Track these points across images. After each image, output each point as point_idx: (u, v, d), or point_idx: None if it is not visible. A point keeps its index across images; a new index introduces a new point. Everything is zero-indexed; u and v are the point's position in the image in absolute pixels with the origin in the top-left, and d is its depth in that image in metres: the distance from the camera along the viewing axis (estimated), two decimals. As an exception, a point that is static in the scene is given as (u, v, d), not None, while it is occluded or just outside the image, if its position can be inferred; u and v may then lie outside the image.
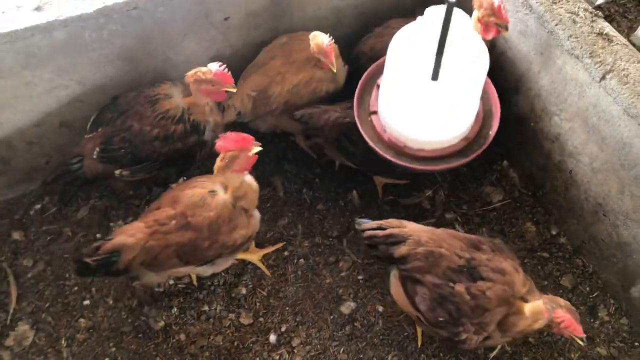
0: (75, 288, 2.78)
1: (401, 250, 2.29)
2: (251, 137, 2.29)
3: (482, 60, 2.28)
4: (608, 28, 2.50)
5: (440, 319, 2.24)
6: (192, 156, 2.72)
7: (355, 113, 2.58)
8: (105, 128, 2.60)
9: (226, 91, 2.55)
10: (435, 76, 2.08)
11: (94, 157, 2.57)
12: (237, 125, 2.94)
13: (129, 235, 2.32)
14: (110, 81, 2.70)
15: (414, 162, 2.52)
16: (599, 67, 2.40)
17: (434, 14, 2.18)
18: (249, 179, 2.42)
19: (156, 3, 2.47)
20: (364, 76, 2.67)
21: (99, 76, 2.65)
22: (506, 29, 2.56)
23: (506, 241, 2.82)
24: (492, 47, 2.92)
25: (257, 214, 2.55)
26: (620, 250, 2.65)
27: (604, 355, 2.68)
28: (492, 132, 2.54)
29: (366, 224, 2.43)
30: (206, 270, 2.58)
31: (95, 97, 2.72)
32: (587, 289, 2.86)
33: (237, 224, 2.41)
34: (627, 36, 3.58)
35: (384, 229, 2.36)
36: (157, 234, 2.34)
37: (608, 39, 2.46)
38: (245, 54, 2.94)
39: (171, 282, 2.81)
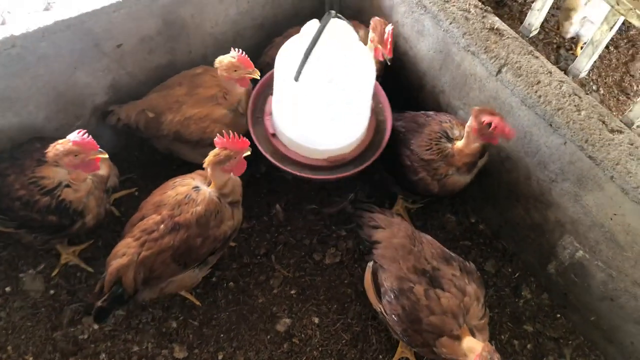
0: (-11, 350, 2.58)
1: (378, 235, 2.47)
2: (247, 141, 2.31)
3: (366, 71, 2.27)
4: (498, 23, 2.59)
5: (396, 314, 2.29)
6: (53, 231, 2.51)
7: (249, 114, 2.63)
8: None
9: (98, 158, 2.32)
10: (297, 76, 2.07)
11: None
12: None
13: (120, 255, 2.31)
14: (-3, 125, 2.50)
15: (296, 168, 2.57)
16: (494, 61, 2.49)
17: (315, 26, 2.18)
18: (233, 174, 2.43)
19: (37, 39, 2.29)
20: (261, 80, 2.70)
21: (-17, 121, 2.45)
22: (389, 61, 2.62)
23: (430, 234, 2.89)
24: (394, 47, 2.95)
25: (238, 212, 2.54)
26: (533, 231, 2.79)
27: (531, 331, 2.82)
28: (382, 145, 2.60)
29: (365, 204, 2.64)
30: (198, 275, 2.55)
31: (-16, 144, 2.51)
32: (509, 270, 2.99)
33: (223, 217, 2.40)
34: (520, 21, 3.76)
35: (373, 211, 2.54)
36: (148, 242, 2.30)
37: (499, 34, 2.55)
38: (144, 79, 2.81)
39: (95, 326, 2.67)
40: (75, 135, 2.24)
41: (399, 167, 2.64)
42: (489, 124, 2.27)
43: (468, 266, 2.40)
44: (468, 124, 2.40)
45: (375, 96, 2.57)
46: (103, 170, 2.51)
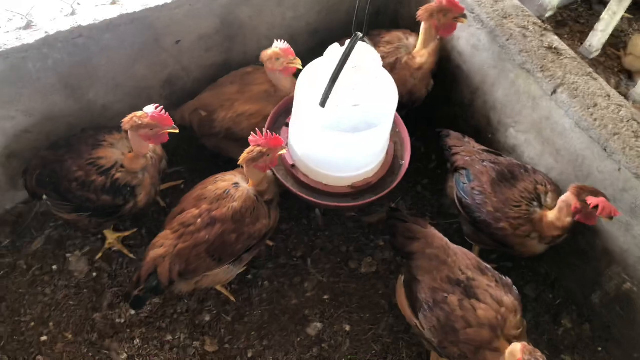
0: (32, 324, 2.68)
1: (413, 246, 2.42)
2: (281, 138, 2.33)
3: (388, 104, 2.26)
4: (557, 42, 2.53)
5: (432, 326, 2.26)
6: (107, 212, 2.58)
7: (269, 121, 2.62)
8: (48, 153, 2.56)
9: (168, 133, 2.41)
10: (323, 103, 2.06)
11: (34, 178, 2.55)
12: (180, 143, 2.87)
13: (159, 246, 2.39)
14: (59, 110, 2.62)
15: (305, 192, 2.53)
16: (550, 81, 2.43)
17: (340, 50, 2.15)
18: (269, 172, 2.49)
19: (102, 30, 2.40)
20: (278, 105, 2.70)
21: (46, 106, 2.57)
22: (465, 16, 2.60)
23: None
24: (447, 60, 2.94)
25: (276, 204, 2.59)
26: (579, 258, 2.70)
27: (569, 362, 2.72)
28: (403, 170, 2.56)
29: (399, 214, 2.59)
30: (232, 272, 2.59)
31: (45, 127, 2.64)
32: (550, 296, 2.90)
33: (259, 215, 2.44)
34: (580, 41, 3.66)
35: (407, 221, 2.50)
36: (185, 235, 2.37)
37: (558, 53, 2.49)
38: (199, 76, 2.89)
39: (132, 312, 2.74)
40: (152, 109, 2.33)
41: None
42: (595, 207, 2.17)
43: (504, 279, 2.35)
44: (563, 198, 2.31)
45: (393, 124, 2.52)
46: (159, 150, 2.62)
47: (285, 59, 2.62)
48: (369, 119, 2.20)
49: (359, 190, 2.51)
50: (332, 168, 2.44)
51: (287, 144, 2.57)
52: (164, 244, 2.38)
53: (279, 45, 2.62)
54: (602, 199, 2.20)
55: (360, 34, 1.98)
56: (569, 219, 2.32)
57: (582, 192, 2.26)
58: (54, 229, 2.95)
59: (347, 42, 2.05)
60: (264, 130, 2.33)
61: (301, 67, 2.63)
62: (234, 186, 2.44)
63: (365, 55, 2.07)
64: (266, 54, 2.64)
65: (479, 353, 2.18)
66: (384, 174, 2.57)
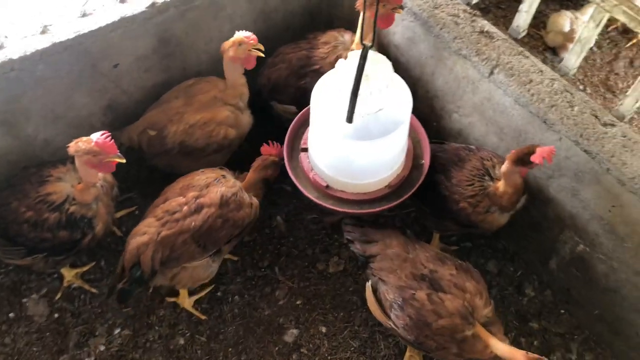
0: (-5, 377, 2.55)
1: (372, 248, 2.50)
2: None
3: (405, 102, 2.31)
4: (488, 26, 2.65)
5: (405, 324, 2.30)
6: (64, 249, 2.48)
7: (285, 150, 2.58)
8: None
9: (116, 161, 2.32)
10: (350, 118, 2.10)
11: None
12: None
13: (141, 234, 2.38)
14: (-5, 150, 2.50)
15: (341, 205, 2.49)
16: (486, 63, 2.54)
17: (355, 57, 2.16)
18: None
19: (34, 61, 2.31)
20: (301, 113, 2.66)
21: (-18, 146, 2.45)
22: (402, 7, 2.64)
23: (430, 236, 2.92)
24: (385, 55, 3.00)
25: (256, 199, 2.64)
26: (533, 229, 2.82)
27: (537, 328, 2.84)
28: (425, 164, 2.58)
29: (349, 225, 2.66)
30: (212, 267, 2.60)
31: (-17, 169, 2.51)
32: (511, 269, 3.02)
33: (243, 202, 2.51)
34: (504, 25, 3.84)
35: (363, 225, 2.59)
36: (170, 222, 2.38)
37: (489, 36, 2.61)
38: (140, 97, 2.83)
39: (102, 347, 2.64)
40: (98, 136, 2.24)
41: (438, 197, 2.59)
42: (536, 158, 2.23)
43: (464, 265, 2.43)
44: (504, 169, 2.38)
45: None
46: (109, 177, 2.55)
47: (248, 45, 2.59)
48: (394, 118, 2.24)
49: (395, 187, 2.50)
50: (370, 175, 2.42)
51: (312, 169, 2.53)
52: (146, 232, 2.36)
53: (243, 33, 2.59)
54: (539, 151, 2.23)
55: (369, 44, 2.02)
56: (519, 180, 2.41)
57: (520, 158, 2.31)
58: (4, 275, 2.81)
59: (351, 54, 2.10)
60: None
61: (263, 55, 2.65)
62: (222, 177, 2.55)
63: (375, 63, 2.11)
64: (228, 42, 2.59)
65: (455, 341, 2.23)
66: (411, 164, 2.57)
